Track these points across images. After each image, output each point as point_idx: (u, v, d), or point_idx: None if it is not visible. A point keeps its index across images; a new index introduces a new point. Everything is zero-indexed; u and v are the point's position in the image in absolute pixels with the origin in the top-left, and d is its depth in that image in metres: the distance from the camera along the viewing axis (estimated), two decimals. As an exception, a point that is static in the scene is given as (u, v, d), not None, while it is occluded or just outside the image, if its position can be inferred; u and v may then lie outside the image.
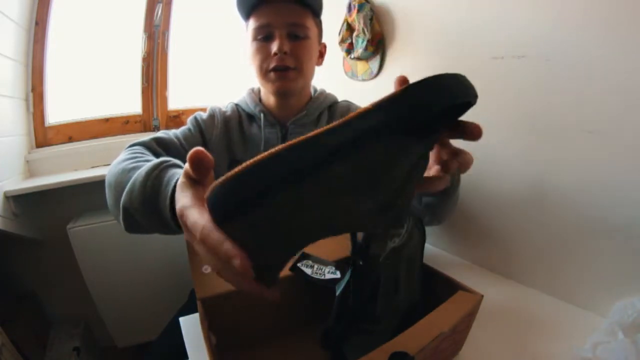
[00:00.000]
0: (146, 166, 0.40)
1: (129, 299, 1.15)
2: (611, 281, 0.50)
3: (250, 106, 0.73)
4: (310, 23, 0.68)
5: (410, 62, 0.82)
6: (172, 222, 0.36)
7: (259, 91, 0.78)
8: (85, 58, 1.24)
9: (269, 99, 0.73)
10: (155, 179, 0.38)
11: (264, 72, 0.68)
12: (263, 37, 0.66)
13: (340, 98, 0.81)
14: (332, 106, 0.78)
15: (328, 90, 0.79)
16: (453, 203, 0.60)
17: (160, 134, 0.63)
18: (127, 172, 0.43)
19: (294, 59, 0.67)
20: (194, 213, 0.24)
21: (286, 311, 0.44)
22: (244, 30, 0.71)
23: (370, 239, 0.45)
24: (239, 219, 0.21)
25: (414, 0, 0.79)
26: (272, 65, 0.66)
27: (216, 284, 0.40)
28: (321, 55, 0.75)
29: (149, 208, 0.38)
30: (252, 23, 0.67)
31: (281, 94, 0.70)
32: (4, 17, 0.97)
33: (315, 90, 0.80)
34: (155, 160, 0.41)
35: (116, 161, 0.49)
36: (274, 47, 0.65)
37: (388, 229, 0.33)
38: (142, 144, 0.56)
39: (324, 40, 0.74)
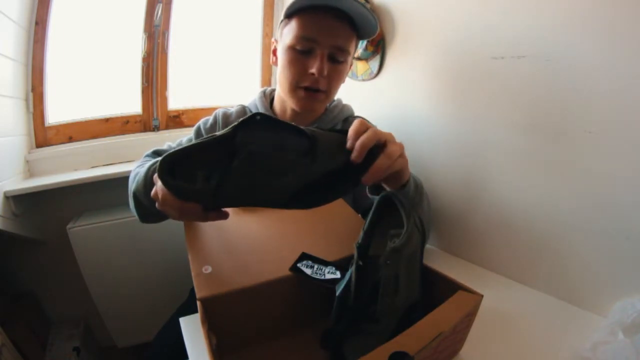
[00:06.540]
0: (149, 163, 0.56)
1: (129, 299, 1.15)
2: (611, 281, 0.50)
3: (259, 110, 0.72)
4: (352, 47, 0.66)
5: (410, 62, 0.82)
6: None
7: (270, 95, 0.77)
8: (86, 58, 1.24)
9: (284, 108, 0.72)
10: (154, 170, 0.52)
11: (293, 87, 0.65)
12: (302, 50, 0.62)
13: (337, 97, 0.80)
14: (347, 119, 0.76)
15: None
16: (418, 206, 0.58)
17: (164, 146, 0.70)
18: (136, 174, 0.60)
19: (327, 83, 0.65)
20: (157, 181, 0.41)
21: (286, 311, 0.44)
22: (281, 24, 0.67)
23: (371, 240, 0.45)
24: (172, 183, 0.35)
25: (414, 0, 0.79)
26: (305, 83, 0.64)
27: (216, 284, 0.40)
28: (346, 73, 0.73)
29: (148, 190, 0.50)
30: (295, 27, 0.62)
31: (303, 112, 0.68)
32: (4, 17, 0.97)
33: (332, 101, 0.78)
34: (156, 158, 0.58)
35: (132, 172, 0.64)
36: (314, 67, 0.62)
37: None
38: (147, 155, 0.69)
39: None
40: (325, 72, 0.62)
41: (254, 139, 0.36)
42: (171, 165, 0.35)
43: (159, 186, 0.40)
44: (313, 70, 0.62)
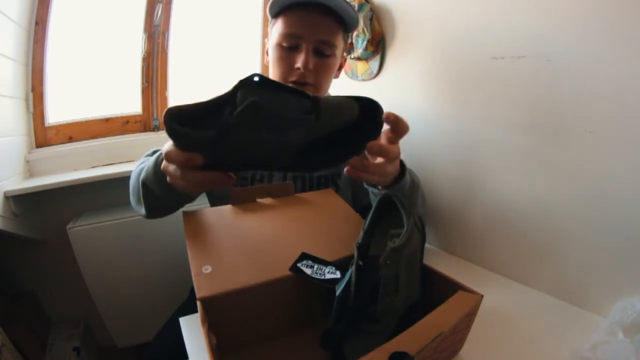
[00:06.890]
0: (156, 155, 0.55)
1: (129, 299, 1.15)
2: (611, 281, 0.50)
3: None
4: (338, 40, 0.67)
5: (410, 62, 0.82)
6: None
7: None
8: (85, 58, 1.24)
9: None
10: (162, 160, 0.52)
11: (282, 82, 0.68)
12: (289, 46, 0.65)
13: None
14: None
15: (328, 91, 0.79)
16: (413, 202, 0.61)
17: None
18: (141, 169, 0.59)
19: (315, 76, 0.66)
20: (167, 143, 0.42)
21: (286, 311, 0.44)
22: (270, 24, 0.69)
23: (371, 240, 0.45)
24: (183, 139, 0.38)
25: (414, 0, 0.79)
26: (292, 78, 0.66)
27: (216, 284, 0.40)
28: (340, 67, 0.74)
29: (158, 176, 0.51)
30: (280, 26, 0.65)
31: None
32: (4, 17, 0.97)
33: None
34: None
35: (134, 170, 0.63)
36: (299, 62, 0.63)
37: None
38: (147, 155, 0.68)
39: None
40: (311, 66, 0.64)
41: (255, 95, 0.37)
42: (177, 117, 0.37)
43: (165, 147, 0.42)
44: (298, 64, 0.64)
